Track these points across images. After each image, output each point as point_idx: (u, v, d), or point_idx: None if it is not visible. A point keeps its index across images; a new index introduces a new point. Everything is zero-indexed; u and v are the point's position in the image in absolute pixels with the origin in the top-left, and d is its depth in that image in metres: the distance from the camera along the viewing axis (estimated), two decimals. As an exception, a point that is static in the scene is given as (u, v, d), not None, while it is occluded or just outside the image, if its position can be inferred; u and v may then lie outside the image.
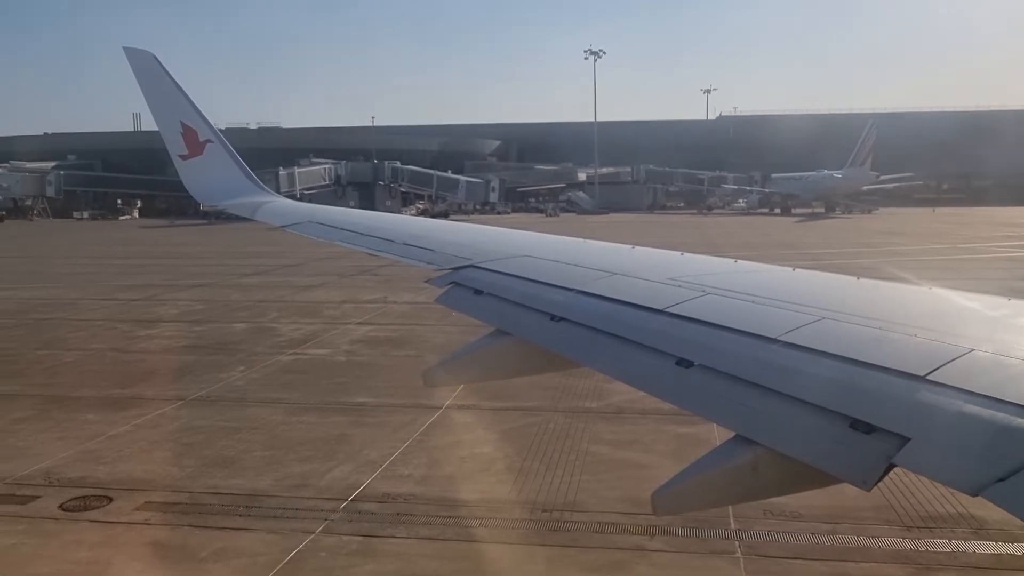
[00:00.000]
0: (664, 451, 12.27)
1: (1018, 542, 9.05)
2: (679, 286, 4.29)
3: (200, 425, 14.06)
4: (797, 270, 4.75)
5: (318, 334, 22.27)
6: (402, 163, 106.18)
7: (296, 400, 15.68)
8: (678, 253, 5.57)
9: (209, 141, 10.22)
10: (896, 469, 2.39)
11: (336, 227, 8.20)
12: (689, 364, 3.29)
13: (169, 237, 68.59)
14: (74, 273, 39.84)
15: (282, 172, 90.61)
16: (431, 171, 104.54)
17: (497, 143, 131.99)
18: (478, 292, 5.03)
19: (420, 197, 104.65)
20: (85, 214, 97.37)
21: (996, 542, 9.03)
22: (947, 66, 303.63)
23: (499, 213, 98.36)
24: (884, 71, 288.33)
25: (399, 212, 73.50)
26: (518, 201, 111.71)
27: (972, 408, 2.43)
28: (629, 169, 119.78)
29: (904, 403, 2.58)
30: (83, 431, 13.78)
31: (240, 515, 10.19)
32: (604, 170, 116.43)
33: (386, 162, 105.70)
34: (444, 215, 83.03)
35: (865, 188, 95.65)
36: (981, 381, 2.56)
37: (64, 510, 10.40)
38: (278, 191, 17.72)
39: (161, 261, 46.23)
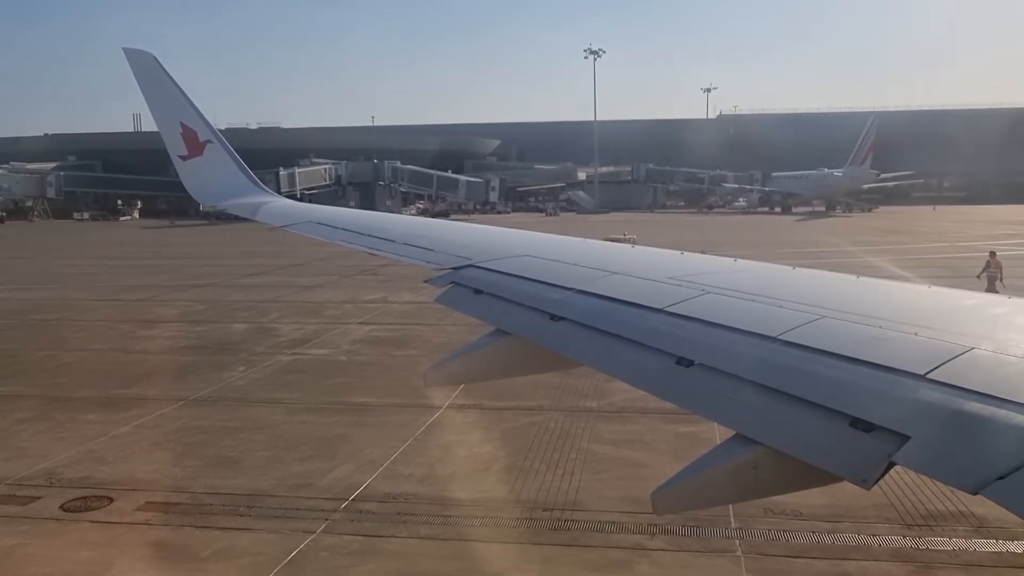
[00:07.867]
0: (664, 450, 12.27)
1: (1018, 540, 9.05)
2: (679, 285, 4.29)
3: (201, 425, 14.07)
4: (797, 269, 4.74)
5: (319, 334, 22.28)
6: (402, 163, 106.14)
7: (297, 400, 15.69)
8: (678, 252, 5.56)
9: (209, 141, 10.21)
10: (896, 467, 2.39)
11: (336, 227, 8.19)
12: (689, 363, 3.29)
13: (170, 238, 68.59)
14: (75, 274, 39.84)
15: (282, 172, 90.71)
16: (431, 171, 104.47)
17: (497, 142, 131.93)
18: (478, 291, 5.03)
19: (420, 197, 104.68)
20: (86, 215, 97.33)
21: (996, 540, 9.03)
22: (947, 64, 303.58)
23: (499, 212, 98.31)
24: (884, 69, 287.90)
25: (399, 212, 73.47)
26: (518, 201, 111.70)
27: (972, 406, 2.43)
28: (629, 168, 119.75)
29: (904, 401, 2.58)
30: (84, 431, 13.78)
31: (241, 515, 10.20)
32: (604, 169, 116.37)
33: (386, 162, 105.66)
34: (444, 215, 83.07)
35: (865, 187, 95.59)
36: (981, 379, 2.56)
37: (65, 510, 10.41)
38: (278, 191, 17.71)
39: (162, 262, 46.21)
